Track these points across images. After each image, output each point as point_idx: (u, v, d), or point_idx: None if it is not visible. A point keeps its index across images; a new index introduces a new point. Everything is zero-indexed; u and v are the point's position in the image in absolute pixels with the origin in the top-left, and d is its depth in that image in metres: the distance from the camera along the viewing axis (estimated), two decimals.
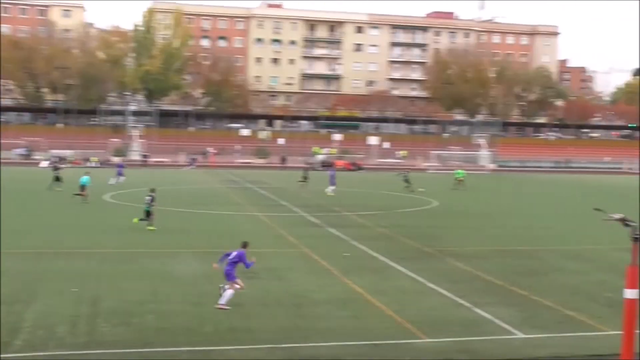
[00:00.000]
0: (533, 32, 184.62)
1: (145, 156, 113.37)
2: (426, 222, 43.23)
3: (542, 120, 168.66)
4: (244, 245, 21.60)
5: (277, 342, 17.88)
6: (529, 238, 37.59)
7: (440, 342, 18.37)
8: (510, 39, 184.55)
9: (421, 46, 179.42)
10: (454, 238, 36.69)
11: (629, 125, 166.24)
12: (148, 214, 36.43)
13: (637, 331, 15.56)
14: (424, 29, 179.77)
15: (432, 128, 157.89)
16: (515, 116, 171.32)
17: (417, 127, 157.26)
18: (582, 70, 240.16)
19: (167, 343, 17.59)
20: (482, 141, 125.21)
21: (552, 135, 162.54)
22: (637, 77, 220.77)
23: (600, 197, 65.74)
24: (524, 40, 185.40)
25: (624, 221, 14.40)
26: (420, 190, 64.42)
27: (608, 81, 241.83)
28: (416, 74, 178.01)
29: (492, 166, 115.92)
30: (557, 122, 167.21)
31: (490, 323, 20.24)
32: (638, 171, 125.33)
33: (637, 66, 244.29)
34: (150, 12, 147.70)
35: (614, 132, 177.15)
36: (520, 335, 19.16)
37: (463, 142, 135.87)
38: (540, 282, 25.93)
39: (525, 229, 41.38)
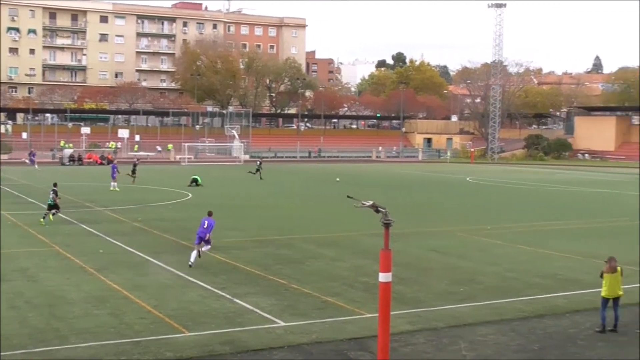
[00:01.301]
0: (281, 24, 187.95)
1: None
2: (181, 215, 42.85)
3: (292, 111, 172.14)
4: (210, 213, 27.21)
5: (32, 346, 17.07)
6: (285, 227, 38.24)
7: (202, 335, 18.30)
8: (258, 31, 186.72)
9: (169, 37, 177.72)
10: None
11: (377, 115, 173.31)
12: (51, 207, 36.98)
13: (393, 312, 16.10)
14: (171, 19, 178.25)
15: (184, 120, 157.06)
16: (266, 107, 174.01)
17: (168, 119, 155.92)
18: (329, 61, 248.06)
19: None
20: (234, 132, 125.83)
21: (303, 125, 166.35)
22: (381, 68, 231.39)
23: (351, 184, 67.89)
24: (272, 32, 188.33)
25: (375, 207, 14.77)
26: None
27: (354, 72, 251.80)
28: (165, 66, 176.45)
29: (245, 157, 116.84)
30: (307, 113, 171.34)
31: (251, 313, 20.40)
32: (386, 159, 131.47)
33: (381, 58, 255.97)
34: None
35: (362, 122, 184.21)
36: (282, 323, 19.44)
37: (215, 133, 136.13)
38: (298, 270, 26.46)
39: (280, 219, 42.08)
